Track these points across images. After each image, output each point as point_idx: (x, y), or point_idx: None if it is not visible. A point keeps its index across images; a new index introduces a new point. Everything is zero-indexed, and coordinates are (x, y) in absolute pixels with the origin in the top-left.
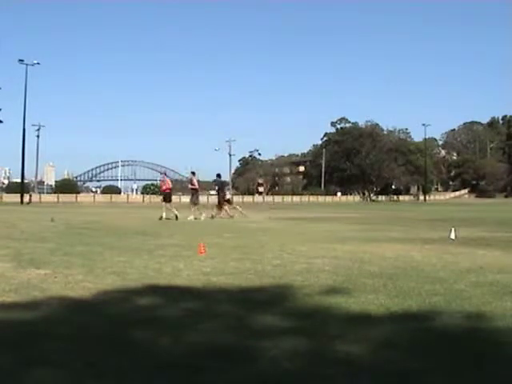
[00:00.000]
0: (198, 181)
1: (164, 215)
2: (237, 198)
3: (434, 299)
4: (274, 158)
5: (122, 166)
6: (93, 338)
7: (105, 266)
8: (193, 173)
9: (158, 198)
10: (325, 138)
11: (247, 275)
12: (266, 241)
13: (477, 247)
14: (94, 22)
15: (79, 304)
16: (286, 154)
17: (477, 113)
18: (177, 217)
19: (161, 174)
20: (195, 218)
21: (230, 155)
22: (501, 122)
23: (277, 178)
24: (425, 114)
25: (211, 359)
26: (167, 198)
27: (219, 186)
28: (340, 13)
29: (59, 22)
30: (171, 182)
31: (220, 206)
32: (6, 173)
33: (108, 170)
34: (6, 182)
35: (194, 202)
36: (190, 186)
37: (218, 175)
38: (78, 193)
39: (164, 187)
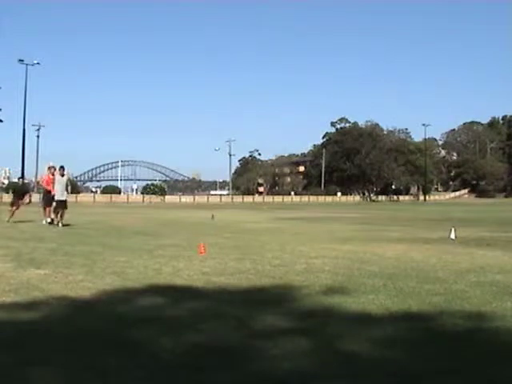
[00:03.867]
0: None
1: (49, 220)
2: (237, 198)
3: (434, 299)
4: (273, 158)
5: (122, 166)
6: (93, 338)
7: (105, 266)
8: (50, 168)
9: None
10: (325, 138)
11: (247, 275)
12: (265, 241)
13: (477, 247)
14: (94, 23)
15: (79, 304)
16: (286, 154)
17: (477, 113)
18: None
19: (18, 179)
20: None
21: (230, 155)
22: (501, 121)
23: (277, 178)
24: (425, 114)
25: (211, 359)
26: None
27: (19, 189)
28: (340, 13)
29: (59, 22)
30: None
31: (12, 206)
32: (5, 173)
33: (108, 169)
34: (6, 181)
35: (44, 204)
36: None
37: (22, 177)
38: (78, 193)
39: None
